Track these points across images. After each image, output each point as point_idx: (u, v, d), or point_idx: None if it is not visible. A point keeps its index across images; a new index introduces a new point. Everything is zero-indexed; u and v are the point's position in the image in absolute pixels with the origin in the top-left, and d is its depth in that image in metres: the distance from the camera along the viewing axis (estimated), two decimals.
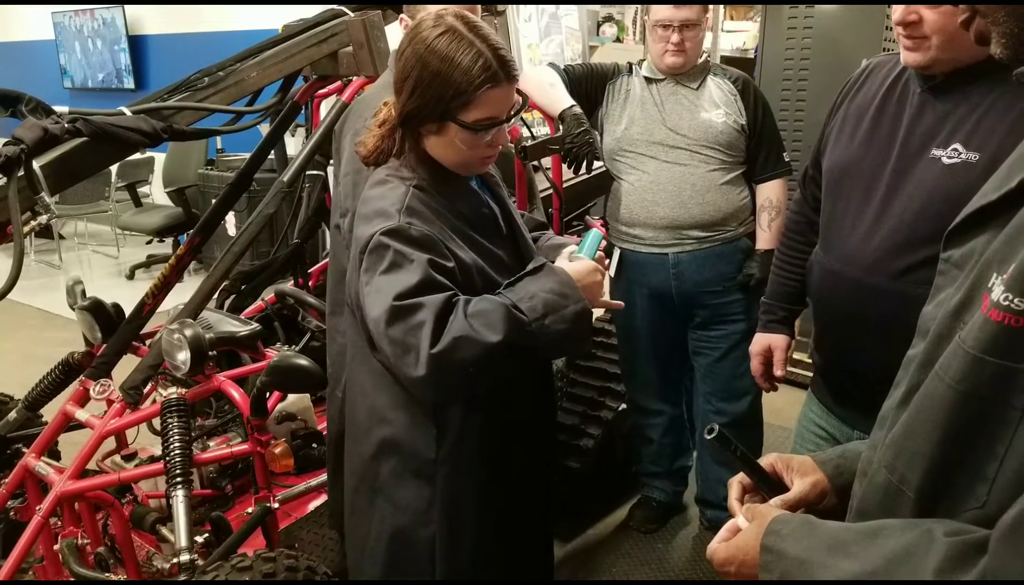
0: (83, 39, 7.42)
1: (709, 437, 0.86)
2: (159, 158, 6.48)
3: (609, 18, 7.49)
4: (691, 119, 2.36)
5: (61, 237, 6.83)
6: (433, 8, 1.73)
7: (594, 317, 1.35)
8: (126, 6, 6.90)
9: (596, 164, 2.39)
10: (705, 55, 2.46)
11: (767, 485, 0.88)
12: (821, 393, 1.67)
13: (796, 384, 3.10)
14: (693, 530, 2.79)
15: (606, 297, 1.41)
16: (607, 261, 1.44)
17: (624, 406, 2.81)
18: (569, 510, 2.76)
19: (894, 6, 1.35)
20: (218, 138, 6.18)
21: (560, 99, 2.32)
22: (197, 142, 6.12)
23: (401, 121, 1.30)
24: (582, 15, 5.83)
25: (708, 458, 2.65)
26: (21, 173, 1.74)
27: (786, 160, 2.42)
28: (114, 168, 6.28)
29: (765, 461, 0.91)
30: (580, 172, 2.35)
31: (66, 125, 1.85)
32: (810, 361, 1.71)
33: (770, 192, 2.40)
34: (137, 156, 6.49)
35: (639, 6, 7.83)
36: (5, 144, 1.74)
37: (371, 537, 1.42)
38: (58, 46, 7.63)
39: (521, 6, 4.57)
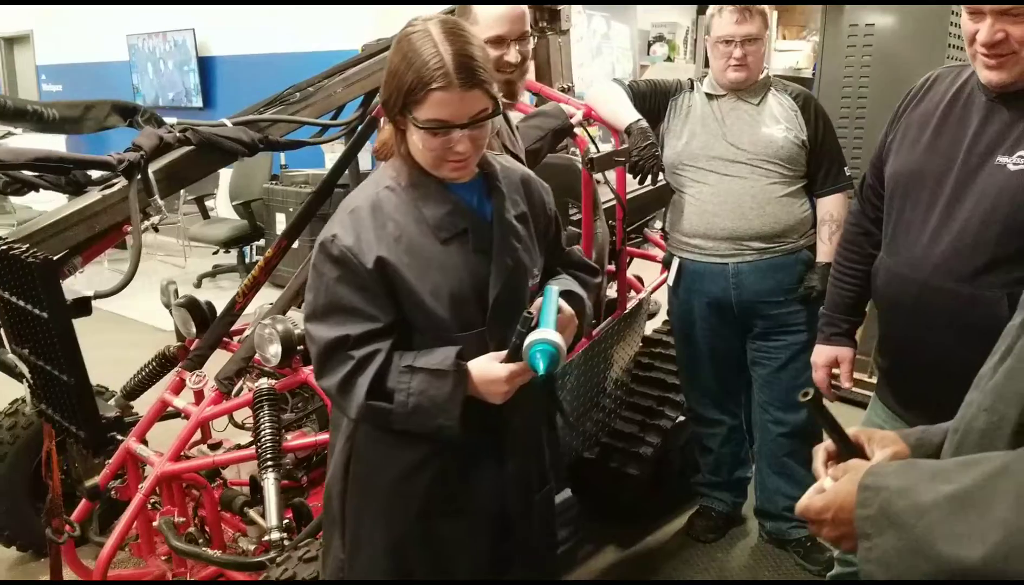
0: (155, 60, 7.78)
1: (804, 399, 0.92)
2: (225, 174, 6.75)
3: (660, 38, 7.57)
4: (752, 134, 2.42)
5: None
6: (479, 11, 1.86)
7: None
8: (196, 28, 7.23)
9: (659, 178, 2.48)
10: (766, 70, 2.53)
11: (850, 452, 0.94)
12: (886, 397, 1.71)
13: (853, 402, 3.11)
14: (752, 541, 2.81)
15: (508, 393, 1.32)
16: (557, 316, 1.34)
17: (683, 417, 2.86)
18: (627, 517, 2.81)
19: (972, 28, 1.37)
20: (282, 155, 6.42)
21: (626, 113, 2.41)
22: (263, 158, 6.36)
23: (385, 113, 1.37)
24: (633, 34, 5.90)
25: (767, 469, 2.67)
26: (139, 177, 1.90)
27: (847, 174, 2.47)
28: None
29: (851, 431, 0.97)
30: (644, 184, 2.44)
31: (177, 134, 2.02)
32: (867, 379, 1.75)
33: (831, 206, 2.45)
34: None
35: (690, 25, 7.89)
36: (126, 150, 1.91)
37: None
38: (132, 67, 8.00)
39: (573, 26, 4.66)
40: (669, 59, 7.67)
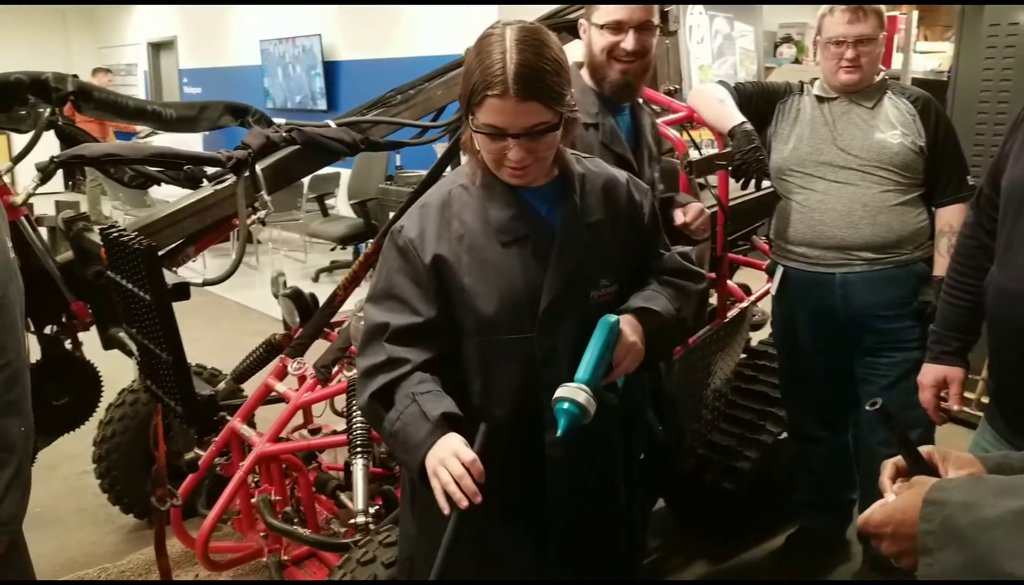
0: (284, 64, 8.22)
1: (871, 409, 0.88)
2: (345, 173, 7.04)
3: (788, 39, 7.28)
4: (864, 139, 2.30)
5: (258, 242, 7.55)
6: (601, 10, 1.85)
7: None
8: (322, 34, 7.58)
9: (764, 184, 2.39)
10: (883, 73, 2.40)
11: (921, 468, 0.89)
12: (995, 420, 1.60)
13: (965, 423, 2.91)
14: (854, 566, 2.66)
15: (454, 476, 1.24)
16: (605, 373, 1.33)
17: (786, 434, 2.75)
18: (721, 533, 2.74)
19: None
20: (398, 156, 6.64)
21: (730, 115, 2.34)
22: (380, 159, 6.61)
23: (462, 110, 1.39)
24: (758, 36, 5.73)
25: (873, 492, 2.53)
26: (247, 174, 2.02)
27: (970, 183, 2.31)
28: (306, 181, 6.90)
29: (923, 450, 0.92)
30: (748, 189, 2.37)
31: (284, 134, 2.13)
32: (979, 399, 1.64)
33: (950, 217, 2.29)
34: (327, 171, 7.10)
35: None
36: (235, 149, 2.03)
37: None
38: (263, 71, 8.48)
39: (694, 27, 4.58)
40: (797, 61, 7.37)
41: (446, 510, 1.21)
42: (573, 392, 1.28)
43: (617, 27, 1.83)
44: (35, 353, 2.34)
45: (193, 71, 9.95)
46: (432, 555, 1.48)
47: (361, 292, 2.57)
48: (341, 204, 7.32)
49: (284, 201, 6.84)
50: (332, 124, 2.26)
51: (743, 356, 2.98)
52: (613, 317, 1.36)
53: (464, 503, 1.20)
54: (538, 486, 1.43)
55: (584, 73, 1.96)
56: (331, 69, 7.74)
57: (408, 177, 6.41)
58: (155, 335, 1.65)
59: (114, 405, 2.73)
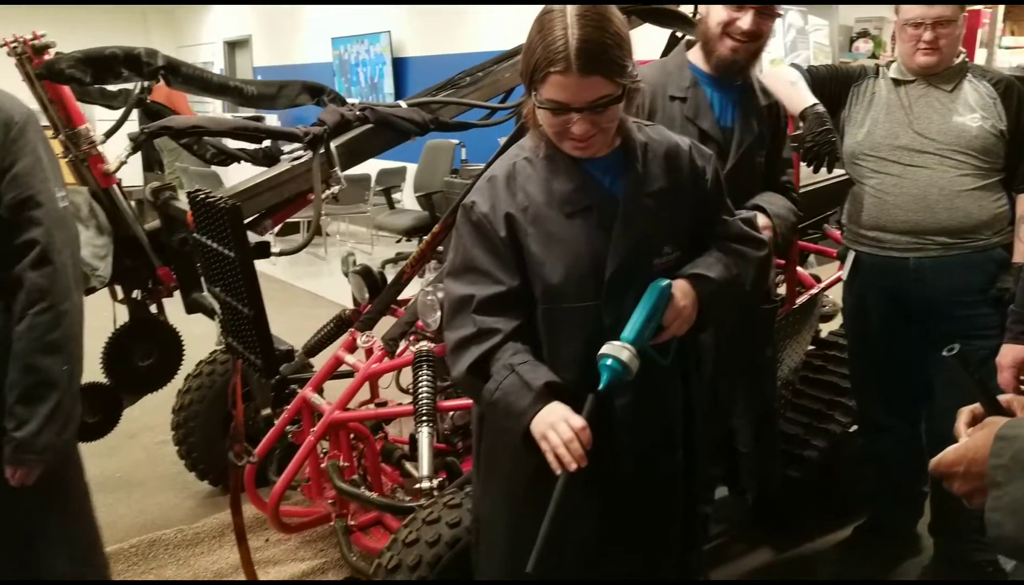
0: (355, 61, 8.41)
1: (948, 354, 0.88)
2: (411, 167, 7.16)
3: (864, 33, 7.08)
4: (942, 123, 2.24)
5: (326, 234, 7.74)
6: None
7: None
8: (391, 31, 7.73)
9: (836, 171, 2.35)
10: (962, 55, 2.34)
11: (998, 414, 0.88)
12: None
13: None
14: (924, 560, 2.59)
15: (563, 441, 1.29)
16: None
17: (855, 426, 2.70)
18: (786, 521, 2.70)
19: None
20: (463, 150, 6.72)
21: (802, 97, 2.30)
22: (446, 153, 6.70)
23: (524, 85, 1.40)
24: (833, 30, 5.58)
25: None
26: (322, 150, 2.09)
27: None
28: (374, 174, 7.04)
29: (1004, 397, 0.91)
30: (819, 172, 2.33)
31: (357, 113, 2.19)
32: None
33: None
34: (393, 164, 7.24)
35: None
36: (312, 125, 2.11)
37: None
38: (334, 68, 8.69)
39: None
40: (873, 56, 7.16)
41: (557, 471, 1.26)
42: (617, 350, 1.31)
43: (739, 4, 1.85)
44: (123, 317, 2.49)
45: (267, 69, 10.25)
46: (495, 519, 1.52)
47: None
48: (407, 197, 7.44)
49: (352, 194, 7.00)
50: (403, 104, 2.33)
51: (812, 347, 2.93)
52: (664, 281, 1.38)
53: (573, 466, 1.25)
54: (603, 452, 1.44)
55: (690, 51, 2.02)
56: (399, 65, 7.88)
57: (473, 171, 6.48)
58: (238, 291, 1.73)
59: (192, 375, 2.85)
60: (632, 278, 1.39)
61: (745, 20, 1.86)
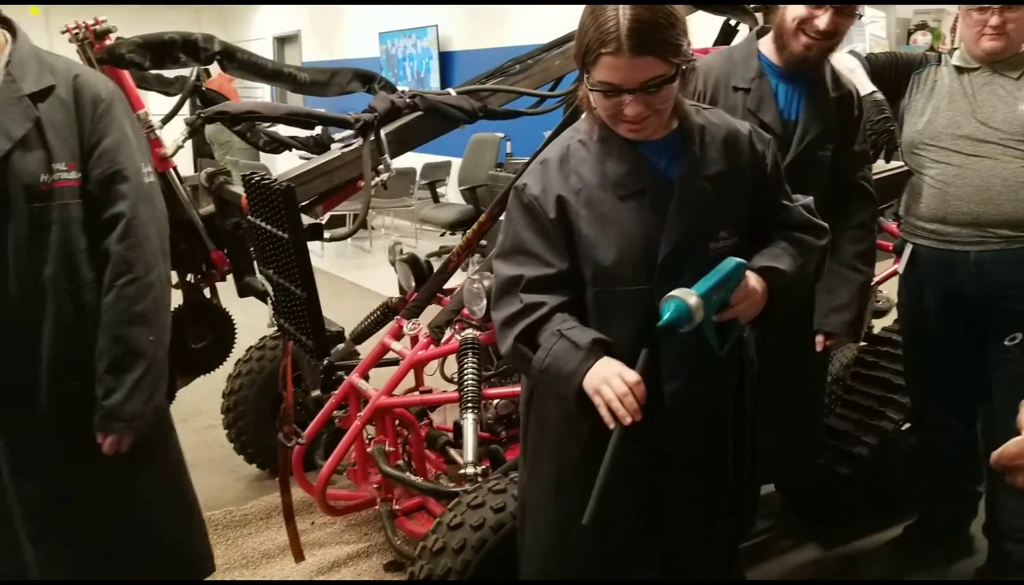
0: (402, 55, 8.47)
1: (1011, 343, 0.85)
2: (455, 161, 7.19)
3: (923, 26, 6.89)
4: (1007, 112, 2.17)
5: (372, 228, 7.81)
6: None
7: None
8: (439, 25, 7.77)
9: (893, 163, 2.30)
10: None
11: None
12: None
13: None
14: (977, 562, 2.51)
15: (619, 394, 1.27)
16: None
17: (908, 424, 2.63)
18: (834, 518, 2.65)
19: None
20: (508, 143, 6.72)
21: (860, 85, 2.25)
22: (490, 146, 6.71)
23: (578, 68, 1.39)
24: (890, 22, 5.43)
25: (1003, 485, 2.39)
26: (372, 138, 2.11)
27: None
28: (418, 168, 7.08)
29: None
30: (876, 164, 2.28)
31: (407, 100, 2.20)
32: None
33: None
34: (438, 158, 7.28)
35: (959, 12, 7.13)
36: (363, 112, 2.12)
37: None
38: (382, 62, 8.76)
39: None
40: (932, 49, 6.99)
41: (611, 425, 1.24)
42: (686, 294, 1.27)
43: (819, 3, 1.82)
44: (177, 300, 2.55)
45: (315, 64, 10.35)
46: (542, 503, 1.52)
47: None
48: (451, 191, 7.47)
49: (397, 188, 7.06)
50: (453, 92, 2.33)
51: (864, 342, 2.86)
52: (739, 259, 1.36)
53: (628, 419, 1.23)
54: (652, 435, 1.42)
55: (761, 41, 1.99)
56: (446, 59, 7.92)
57: (518, 164, 6.48)
58: (290, 273, 1.76)
59: (242, 360, 2.90)
60: (686, 262, 1.37)
61: (823, 19, 1.83)
